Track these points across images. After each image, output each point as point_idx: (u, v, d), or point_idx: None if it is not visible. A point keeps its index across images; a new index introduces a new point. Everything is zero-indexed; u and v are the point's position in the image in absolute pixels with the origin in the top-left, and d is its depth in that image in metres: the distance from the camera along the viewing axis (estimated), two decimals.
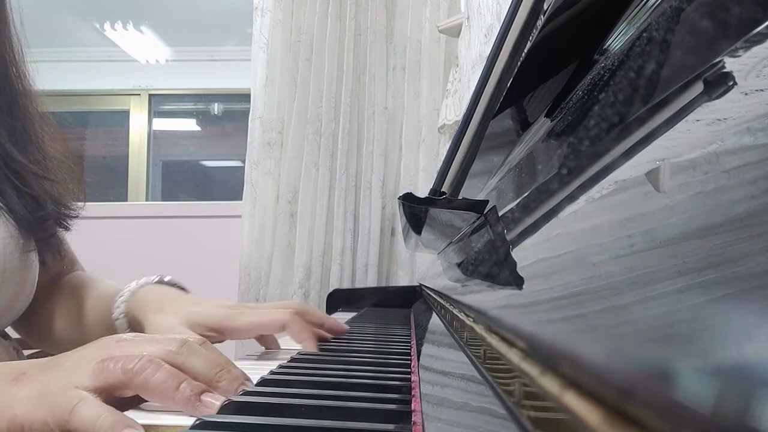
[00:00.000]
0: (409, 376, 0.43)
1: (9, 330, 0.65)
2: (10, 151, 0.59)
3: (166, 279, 0.66)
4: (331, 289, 1.54)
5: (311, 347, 0.57)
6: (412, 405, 0.34)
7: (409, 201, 0.55)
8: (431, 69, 1.87)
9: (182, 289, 0.67)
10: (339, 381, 0.41)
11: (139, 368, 0.36)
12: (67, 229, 0.65)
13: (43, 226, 0.60)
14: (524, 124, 0.49)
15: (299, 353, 0.55)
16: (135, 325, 0.62)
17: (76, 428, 0.33)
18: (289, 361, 0.50)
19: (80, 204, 0.67)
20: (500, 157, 0.53)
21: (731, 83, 0.15)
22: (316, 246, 1.82)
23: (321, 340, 0.61)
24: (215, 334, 0.59)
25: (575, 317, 0.16)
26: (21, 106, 0.62)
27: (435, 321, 0.59)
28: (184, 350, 0.39)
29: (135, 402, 0.38)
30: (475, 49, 1.19)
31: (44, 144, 0.64)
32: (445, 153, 0.55)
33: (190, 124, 3.51)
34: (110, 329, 0.63)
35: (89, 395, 0.34)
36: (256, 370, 0.43)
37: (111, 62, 3.27)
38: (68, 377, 0.36)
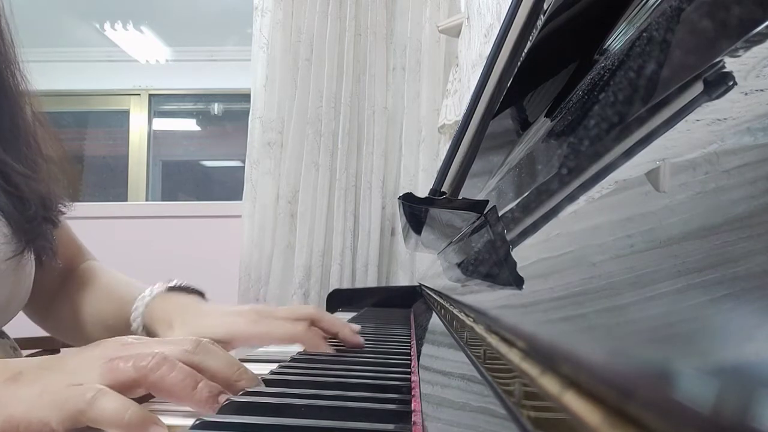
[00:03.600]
0: (409, 376, 0.43)
1: (6, 329, 0.65)
2: None
3: (181, 284, 0.65)
4: (331, 289, 1.54)
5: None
6: (412, 405, 0.34)
7: (409, 201, 0.55)
8: (431, 69, 1.87)
9: (198, 292, 0.65)
10: (339, 381, 0.41)
11: (154, 365, 0.35)
12: (54, 225, 0.64)
13: (31, 225, 0.59)
14: (524, 124, 0.49)
15: (299, 353, 0.55)
16: (153, 336, 0.62)
17: (94, 420, 0.32)
18: (289, 361, 0.50)
19: (71, 202, 0.67)
20: (500, 157, 0.53)
21: (731, 83, 0.15)
22: (316, 246, 1.82)
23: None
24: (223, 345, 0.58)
25: (575, 317, 0.16)
26: (11, 102, 0.62)
27: (435, 321, 0.59)
28: (199, 350, 0.38)
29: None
30: (475, 49, 1.19)
31: (35, 142, 0.64)
32: (445, 153, 0.55)
33: (190, 124, 3.51)
34: (128, 332, 0.63)
35: (106, 387, 0.33)
36: (256, 371, 0.43)
37: (111, 62, 3.27)
38: (74, 377, 0.34)
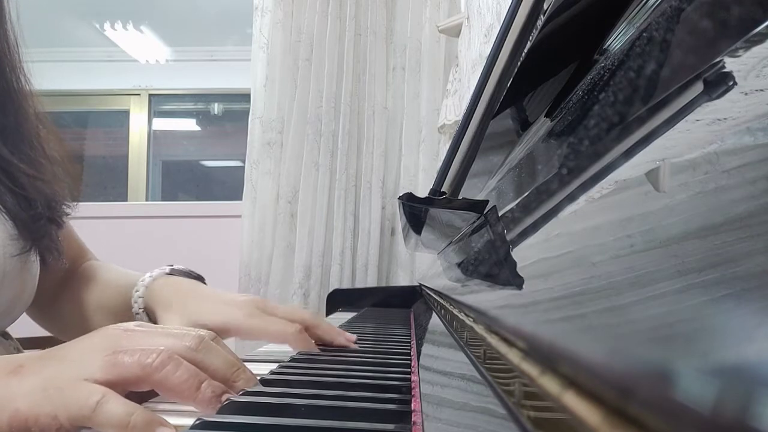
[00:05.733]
0: (409, 376, 0.43)
1: (11, 330, 0.65)
2: (0, 149, 0.59)
3: (180, 268, 0.66)
4: (331, 289, 1.54)
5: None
6: (412, 405, 0.34)
7: (409, 201, 0.55)
8: (431, 69, 1.87)
9: (197, 277, 0.66)
10: (339, 381, 0.41)
11: (159, 364, 0.34)
12: (59, 226, 0.64)
13: (36, 226, 0.59)
14: (524, 124, 0.49)
15: (299, 353, 0.55)
16: (153, 319, 0.62)
17: (99, 425, 0.32)
18: (289, 361, 0.50)
19: (74, 203, 0.67)
20: (500, 157, 0.53)
21: (731, 83, 0.15)
22: (316, 246, 1.82)
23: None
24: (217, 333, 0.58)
25: (575, 317, 0.16)
26: (15, 104, 0.62)
27: (435, 321, 0.59)
28: (202, 346, 0.38)
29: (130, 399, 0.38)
30: (475, 49, 1.19)
31: (39, 143, 0.64)
32: (445, 153, 0.55)
33: (190, 124, 3.51)
34: (131, 319, 0.63)
35: (111, 391, 0.33)
36: (256, 370, 0.43)
37: (111, 62, 3.27)
38: (77, 370, 0.34)
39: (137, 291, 0.63)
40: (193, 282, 0.64)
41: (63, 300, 0.71)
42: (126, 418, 0.31)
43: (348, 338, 0.61)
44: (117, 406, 0.32)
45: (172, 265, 0.66)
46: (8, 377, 0.34)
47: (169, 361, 0.35)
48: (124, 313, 0.64)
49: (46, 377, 0.34)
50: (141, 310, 0.63)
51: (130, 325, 0.39)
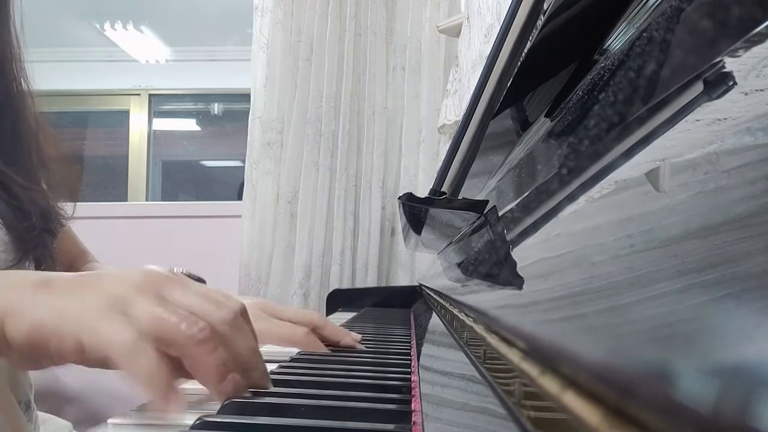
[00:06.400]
0: (409, 376, 0.43)
1: None
2: None
3: (181, 270, 0.66)
4: (331, 289, 1.54)
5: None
6: (412, 405, 0.34)
7: (409, 201, 0.55)
8: (431, 69, 1.87)
9: (198, 279, 0.66)
10: (339, 381, 0.41)
11: (200, 340, 0.32)
12: (54, 236, 0.64)
13: (30, 236, 0.59)
14: (524, 124, 0.49)
15: (299, 353, 0.55)
16: None
17: (123, 367, 0.30)
18: (289, 361, 0.50)
19: (69, 210, 0.67)
20: (500, 157, 0.53)
21: (731, 83, 0.15)
22: (316, 246, 1.82)
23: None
24: None
25: (575, 317, 0.16)
26: (14, 110, 0.62)
27: (435, 321, 0.59)
28: (237, 324, 0.36)
29: None
30: (475, 49, 1.19)
31: (37, 150, 0.64)
32: (445, 153, 0.55)
33: (190, 124, 3.51)
34: None
35: (149, 346, 0.30)
36: None
37: (111, 62, 3.27)
38: (115, 302, 0.32)
39: None
40: (196, 283, 0.64)
41: None
42: (151, 373, 0.30)
43: (354, 338, 0.61)
44: (149, 358, 0.30)
45: (172, 268, 0.66)
46: (36, 289, 0.32)
47: (209, 340, 0.33)
48: None
49: (78, 298, 0.32)
50: None
51: (171, 272, 0.37)
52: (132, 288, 0.33)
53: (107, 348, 0.30)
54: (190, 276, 0.66)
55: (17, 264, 0.57)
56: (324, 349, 0.57)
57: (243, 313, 0.38)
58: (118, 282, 0.33)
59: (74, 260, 0.74)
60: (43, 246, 0.61)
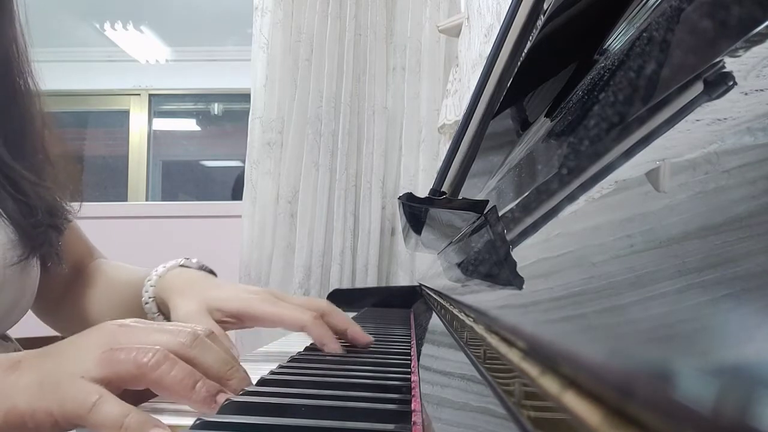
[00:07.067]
0: (409, 376, 0.43)
1: (11, 332, 0.65)
2: (3, 155, 0.59)
3: (194, 261, 0.66)
4: (331, 289, 1.53)
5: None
6: (412, 405, 0.34)
7: (409, 201, 0.55)
8: (431, 69, 1.87)
9: (210, 271, 0.66)
10: (339, 381, 0.41)
11: (155, 363, 0.35)
12: (60, 232, 0.64)
13: (36, 233, 0.59)
14: (524, 124, 0.49)
15: (299, 353, 0.55)
16: (163, 308, 0.63)
17: (94, 425, 0.32)
18: (289, 361, 0.50)
19: (75, 207, 0.67)
20: (500, 157, 0.53)
21: (731, 83, 0.15)
22: (316, 246, 1.82)
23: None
24: (234, 320, 0.58)
25: (575, 317, 0.16)
26: (21, 107, 0.62)
27: (435, 321, 0.59)
28: (196, 343, 0.38)
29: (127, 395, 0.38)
30: (475, 49, 1.19)
31: (42, 147, 0.64)
32: (445, 153, 0.55)
33: (190, 124, 3.52)
34: (140, 313, 0.63)
35: (107, 392, 0.33)
36: (256, 371, 0.43)
37: (111, 62, 3.28)
38: (73, 366, 0.34)
39: (149, 281, 0.63)
40: (207, 274, 0.65)
41: (70, 299, 0.71)
42: (120, 419, 0.32)
43: (367, 338, 0.60)
44: (112, 407, 0.32)
45: (187, 258, 0.66)
46: (6, 373, 0.34)
47: (164, 360, 0.35)
48: (133, 307, 0.65)
49: (43, 373, 0.34)
50: (151, 300, 0.63)
51: (127, 321, 0.39)
52: (88, 347, 0.36)
53: (77, 414, 0.32)
54: (202, 268, 0.66)
55: (24, 260, 0.58)
56: (332, 335, 0.57)
57: (209, 335, 0.40)
58: (76, 346, 0.37)
59: (82, 257, 0.74)
60: (49, 243, 0.61)
